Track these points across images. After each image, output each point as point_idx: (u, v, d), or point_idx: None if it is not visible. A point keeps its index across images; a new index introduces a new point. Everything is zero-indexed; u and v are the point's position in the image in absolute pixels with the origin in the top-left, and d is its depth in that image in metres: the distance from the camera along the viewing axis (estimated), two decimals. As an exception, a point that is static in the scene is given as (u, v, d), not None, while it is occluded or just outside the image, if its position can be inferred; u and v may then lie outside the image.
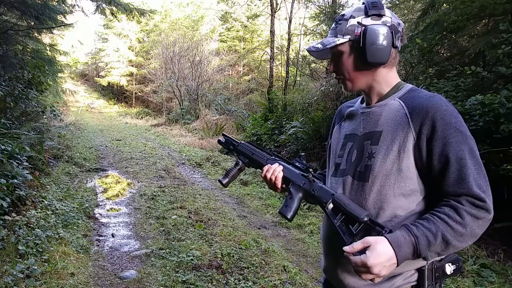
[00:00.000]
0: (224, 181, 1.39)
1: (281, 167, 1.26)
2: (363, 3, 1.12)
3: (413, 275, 1.07)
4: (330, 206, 1.10)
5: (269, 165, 1.29)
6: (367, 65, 1.11)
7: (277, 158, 1.32)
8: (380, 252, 0.93)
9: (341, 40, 1.10)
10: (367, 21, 1.09)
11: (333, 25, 1.15)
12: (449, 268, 1.08)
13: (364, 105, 1.21)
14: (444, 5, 5.46)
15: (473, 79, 4.31)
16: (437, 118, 1.00)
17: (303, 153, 1.32)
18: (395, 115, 1.08)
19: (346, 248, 0.97)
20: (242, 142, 1.45)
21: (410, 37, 5.85)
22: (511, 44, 3.87)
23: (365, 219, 1.03)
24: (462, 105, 3.85)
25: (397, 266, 0.96)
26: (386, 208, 1.06)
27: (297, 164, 1.26)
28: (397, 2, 8.75)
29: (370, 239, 0.96)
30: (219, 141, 1.53)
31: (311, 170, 1.23)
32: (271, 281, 3.10)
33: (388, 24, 1.08)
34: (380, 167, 1.06)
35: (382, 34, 1.06)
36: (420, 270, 1.07)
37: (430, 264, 1.06)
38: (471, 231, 0.96)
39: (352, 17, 1.10)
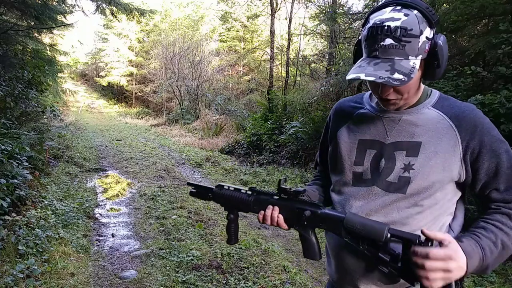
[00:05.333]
0: (232, 242, 1.26)
1: (276, 210, 1.10)
2: (419, 10, 0.94)
3: None
4: (347, 235, 1.00)
5: (262, 212, 1.13)
6: (428, 79, 1.02)
7: (260, 196, 1.16)
8: (459, 256, 0.86)
9: (417, 63, 0.95)
10: (431, 34, 0.96)
11: (392, 42, 0.92)
12: None
13: (377, 107, 1.11)
14: (444, 5, 5.45)
15: (473, 79, 4.31)
16: (484, 133, 0.98)
17: (283, 177, 1.21)
18: (436, 126, 1.02)
19: (425, 231, 0.88)
20: (214, 188, 1.26)
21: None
22: (511, 44, 3.88)
23: (388, 236, 0.90)
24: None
25: (462, 277, 0.88)
26: (414, 223, 1.02)
27: (282, 195, 1.12)
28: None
29: (450, 237, 0.88)
30: (190, 193, 1.33)
31: (304, 198, 1.10)
32: (271, 281, 3.10)
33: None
34: (421, 180, 1.00)
35: (445, 45, 0.98)
36: None
37: None
38: None
39: (421, 32, 0.93)
